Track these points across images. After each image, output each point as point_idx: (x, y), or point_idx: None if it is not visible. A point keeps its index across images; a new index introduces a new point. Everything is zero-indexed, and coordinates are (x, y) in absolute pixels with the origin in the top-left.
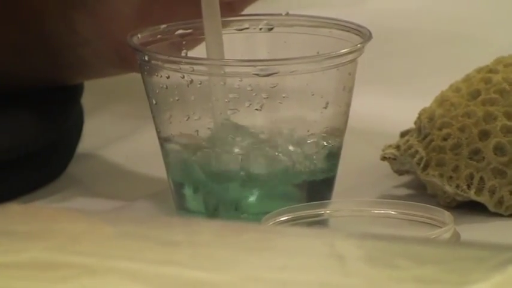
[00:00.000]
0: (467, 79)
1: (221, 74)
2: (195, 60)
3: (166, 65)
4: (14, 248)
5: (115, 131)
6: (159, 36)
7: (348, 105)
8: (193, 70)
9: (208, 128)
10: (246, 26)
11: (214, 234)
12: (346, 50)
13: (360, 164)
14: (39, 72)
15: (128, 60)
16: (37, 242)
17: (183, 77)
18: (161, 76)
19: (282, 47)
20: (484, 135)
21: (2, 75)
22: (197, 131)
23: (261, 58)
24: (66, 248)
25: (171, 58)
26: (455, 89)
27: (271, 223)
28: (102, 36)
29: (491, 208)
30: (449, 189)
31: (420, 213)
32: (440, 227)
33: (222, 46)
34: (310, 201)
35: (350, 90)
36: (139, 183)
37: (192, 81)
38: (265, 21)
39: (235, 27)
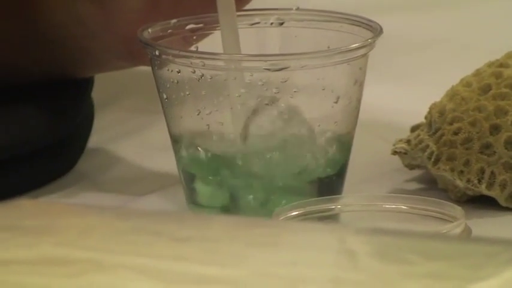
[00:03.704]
0: (478, 73)
1: (232, 69)
2: (206, 55)
3: (177, 60)
4: (24, 243)
5: (126, 125)
6: (169, 30)
7: (359, 99)
8: (204, 65)
9: (220, 123)
10: (257, 20)
11: (225, 229)
12: (357, 44)
13: (370, 159)
14: (47, 66)
15: (136, 53)
16: (47, 237)
17: (194, 72)
18: (172, 71)
19: (293, 41)
20: (495, 129)
21: (10, 69)
22: (208, 125)
23: (272, 53)
24: (76, 243)
25: (182, 53)
26: (466, 83)
27: (281, 218)
28: (109, 28)
29: (502, 202)
30: (460, 183)
31: (431, 208)
32: (451, 222)
33: (238, 40)
34: (321, 196)
35: (361, 85)
36: (150, 178)
37: (202, 75)
38: (276, 16)
39: (246, 22)
